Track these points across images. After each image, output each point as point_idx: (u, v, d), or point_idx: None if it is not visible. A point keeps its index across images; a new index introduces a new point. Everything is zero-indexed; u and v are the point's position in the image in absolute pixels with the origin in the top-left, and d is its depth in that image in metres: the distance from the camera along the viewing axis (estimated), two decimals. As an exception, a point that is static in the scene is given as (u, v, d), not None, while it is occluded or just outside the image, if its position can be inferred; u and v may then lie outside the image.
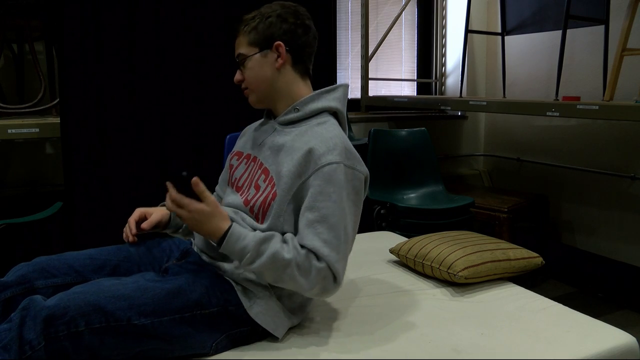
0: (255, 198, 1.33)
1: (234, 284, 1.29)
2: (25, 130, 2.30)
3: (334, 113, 1.37)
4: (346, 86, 1.42)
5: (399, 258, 1.89)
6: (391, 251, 1.93)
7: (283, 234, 1.27)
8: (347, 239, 1.26)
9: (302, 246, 1.23)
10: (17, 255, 2.50)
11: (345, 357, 1.26)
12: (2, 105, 2.52)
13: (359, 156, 1.33)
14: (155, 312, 1.15)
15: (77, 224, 2.34)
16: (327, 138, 1.28)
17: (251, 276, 1.31)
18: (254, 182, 1.36)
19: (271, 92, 1.37)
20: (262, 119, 1.48)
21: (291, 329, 1.37)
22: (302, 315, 1.40)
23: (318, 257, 1.21)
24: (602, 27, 3.04)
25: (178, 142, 2.50)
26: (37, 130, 2.33)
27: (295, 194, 1.27)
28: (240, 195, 1.39)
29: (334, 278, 1.23)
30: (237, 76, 1.39)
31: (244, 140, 1.51)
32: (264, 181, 1.33)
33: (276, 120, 1.40)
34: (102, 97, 2.34)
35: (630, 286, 3.14)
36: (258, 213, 1.31)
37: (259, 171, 1.36)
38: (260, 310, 1.29)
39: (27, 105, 2.55)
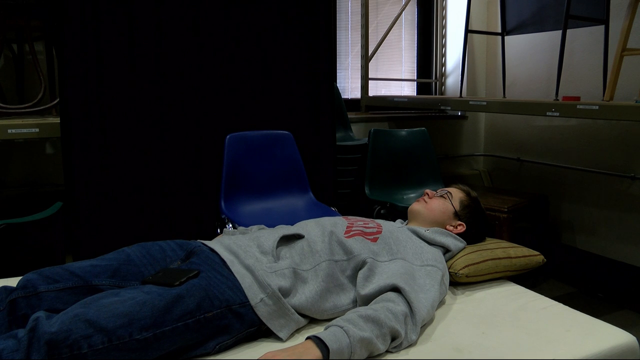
0: None
1: (240, 280, 1.29)
2: (25, 130, 2.30)
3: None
4: None
5: (399, 258, 1.88)
6: (391, 251, 1.92)
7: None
8: None
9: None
10: (17, 255, 2.50)
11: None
12: (2, 105, 2.52)
13: None
14: (156, 324, 1.15)
15: (77, 224, 2.34)
16: None
17: (261, 271, 1.33)
18: None
19: None
20: None
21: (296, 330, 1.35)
22: (309, 317, 1.39)
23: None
24: (602, 27, 3.04)
25: (178, 142, 2.50)
26: (37, 130, 2.33)
27: None
28: None
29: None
30: None
31: None
32: None
33: None
34: (102, 97, 2.33)
35: (630, 286, 3.14)
36: None
37: None
38: (267, 310, 1.28)
39: (27, 105, 2.55)
